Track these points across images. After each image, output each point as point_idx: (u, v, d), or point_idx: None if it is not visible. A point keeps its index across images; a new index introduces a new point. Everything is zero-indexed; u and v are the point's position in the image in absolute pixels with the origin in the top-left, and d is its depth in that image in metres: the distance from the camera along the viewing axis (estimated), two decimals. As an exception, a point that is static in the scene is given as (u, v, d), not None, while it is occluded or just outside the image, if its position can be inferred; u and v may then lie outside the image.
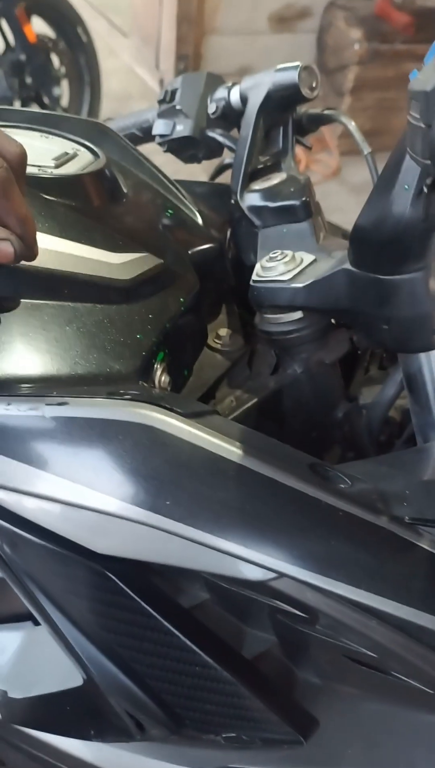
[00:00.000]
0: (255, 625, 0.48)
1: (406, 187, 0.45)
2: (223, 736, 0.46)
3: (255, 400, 0.59)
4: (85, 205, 0.56)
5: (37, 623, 0.62)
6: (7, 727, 0.60)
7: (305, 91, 0.66)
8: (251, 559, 0.40)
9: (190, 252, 0.62)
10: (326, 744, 0.52)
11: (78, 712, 0.49)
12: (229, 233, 0.70)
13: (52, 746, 0.59)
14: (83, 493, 0.40)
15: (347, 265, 0.52)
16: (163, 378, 0.51)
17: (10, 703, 0.57)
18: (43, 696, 0.52)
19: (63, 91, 2.61)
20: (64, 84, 2.61)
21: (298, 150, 0.88)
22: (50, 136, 0.65)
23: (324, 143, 2.80)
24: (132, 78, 3.49)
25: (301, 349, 0.59)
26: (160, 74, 3.21)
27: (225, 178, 0.76)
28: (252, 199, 0.65)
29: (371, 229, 0.48)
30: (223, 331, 0.63)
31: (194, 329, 0.58)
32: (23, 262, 0.46)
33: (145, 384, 0.49)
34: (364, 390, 0.63)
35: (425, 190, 0.42)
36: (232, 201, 0.67)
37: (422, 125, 0.36)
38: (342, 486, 0.43)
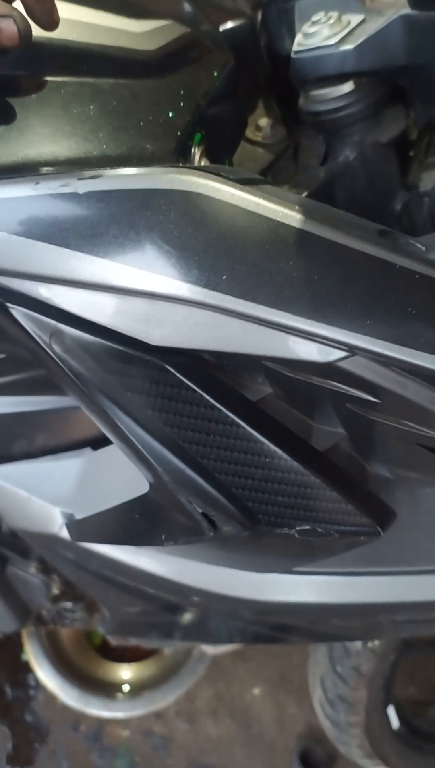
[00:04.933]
0: (321, 420, 0.46)
1: None
2: (298, 529, 0.45)
3: (305, 193, 0.53)
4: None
5: (95, 448, 0.61)
6: (76, 548, 0.61)
7: None
8: (320, 334, 0.36)
9: (220, 29, 0.54)
10: (402, 538, 0.51)
11: (147, 518, 0.48)
12: (260, 15, 0.61)
13: (122, 563, 0.60)
14: (130, 274, 0.36)
15: (405, 10, 0.45)
16: (202, 163, 0.45)
17: (77, 524, 0.57)
18: (109, 510, 0.51)
19: None
20: None
21: None
22: None
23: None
24: None
25: (353, 130, 0.53)
26: None
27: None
28: (283, -37, 0.56)
29: None
30: (264, 122, 0.57)
31: (232, 113, 0.51)
32: (37, 34, 0.41)
33: None
34: (424, 176, 0.56)
35: None
36: None
37: None
38: (415, 251, 0.38)
